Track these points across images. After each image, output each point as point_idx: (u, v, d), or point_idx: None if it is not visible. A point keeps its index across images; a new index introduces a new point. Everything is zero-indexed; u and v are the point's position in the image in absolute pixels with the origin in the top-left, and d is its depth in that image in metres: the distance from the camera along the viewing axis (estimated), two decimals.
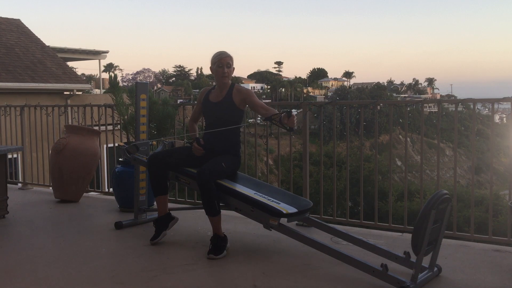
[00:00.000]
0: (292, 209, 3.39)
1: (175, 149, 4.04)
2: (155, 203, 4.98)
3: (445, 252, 3.43)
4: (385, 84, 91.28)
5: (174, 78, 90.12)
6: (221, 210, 3.56)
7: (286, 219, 3.42)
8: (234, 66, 3.85)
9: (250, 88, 3.96)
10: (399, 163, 44.59)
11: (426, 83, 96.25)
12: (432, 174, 41.68)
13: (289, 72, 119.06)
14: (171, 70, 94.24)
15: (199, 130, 4.21)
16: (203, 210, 3.56)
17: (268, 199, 3.46)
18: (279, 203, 3.42)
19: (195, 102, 4.25)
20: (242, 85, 4.05)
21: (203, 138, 3.88)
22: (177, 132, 5.36)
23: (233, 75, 3.91)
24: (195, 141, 3.82)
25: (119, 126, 5.59)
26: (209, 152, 3.77)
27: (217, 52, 3.81)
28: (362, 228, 4.37)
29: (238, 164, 3.89)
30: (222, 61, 3.76)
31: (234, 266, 3.33)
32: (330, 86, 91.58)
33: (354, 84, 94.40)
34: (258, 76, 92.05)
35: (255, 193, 3.53)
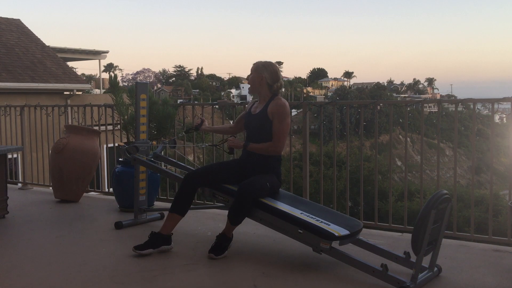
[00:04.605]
0: (344, 231, 3.15)
1: (214, 166, 3.84)
2: (155, 203, 4.99)
3: (445, 252, 3.43)
4: (385, 84, 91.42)
5: (174, 78, 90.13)
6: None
7: (338, 242, 3.18)
8: (256, 74, 3.64)
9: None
10: (399, 163, 44.61)
11: (426, 83, 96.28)
12: (432, 174, 41.70)
13: (289, 72, 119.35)
14: (171, 70, 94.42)
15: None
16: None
17: (317, 220, 3.23)
18: (329, 224, 3.19)
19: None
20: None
21: (242, 155, 3.76)
22: (176, 132, 5.36)
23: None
24: (230, 137, 3.74)
25: (119, 126, 5.59)
26: (249, 169, 3.62)
27: None
28: (362, 228, 4.36)
29: (279, 184, 3.70)
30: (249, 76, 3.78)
31: (234, 266, 3.33)
32: (330, 86, 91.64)
33: (354, 84, 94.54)
34: None
35: (301, 213, 3.31)
